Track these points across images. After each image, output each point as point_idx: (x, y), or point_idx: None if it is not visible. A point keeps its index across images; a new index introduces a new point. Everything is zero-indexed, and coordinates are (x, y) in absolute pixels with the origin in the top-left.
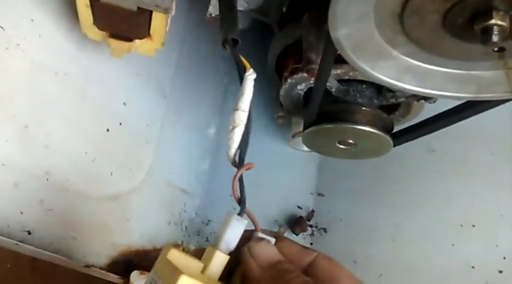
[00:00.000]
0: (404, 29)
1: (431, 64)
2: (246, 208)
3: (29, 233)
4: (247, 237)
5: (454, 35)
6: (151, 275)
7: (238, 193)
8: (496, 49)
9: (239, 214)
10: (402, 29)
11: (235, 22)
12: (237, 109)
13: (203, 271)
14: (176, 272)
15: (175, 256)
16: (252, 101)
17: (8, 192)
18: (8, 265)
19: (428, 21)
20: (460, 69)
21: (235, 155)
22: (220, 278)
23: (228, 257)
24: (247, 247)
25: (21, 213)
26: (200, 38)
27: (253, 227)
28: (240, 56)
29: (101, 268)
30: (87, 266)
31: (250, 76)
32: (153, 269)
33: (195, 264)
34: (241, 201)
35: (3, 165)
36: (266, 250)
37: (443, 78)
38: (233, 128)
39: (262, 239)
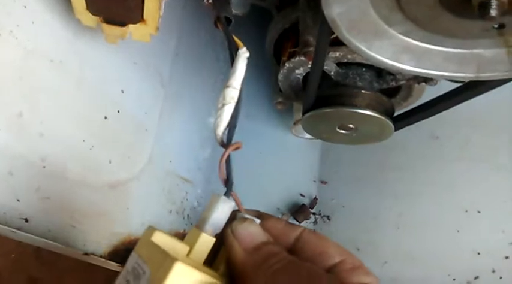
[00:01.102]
0: (400, 5)
1: (429, 43)
2: (232, 190)
3: (26, 221)
4: (232, 218)
5: (451, 10)
6: (134, 260)
7: (225, 174)
8: (495, 25)
9: (225, 194)
10: (398, 6)
11: (228, 0)
12: (228, 87)
13: (188, 254)
14: (168, 258)
15: (161, 239)
16: (244, 80)
17: (2, 179)
18: (12, 255)
19: None
20: (460, 48)
21: (223, 134)
22: (204, 261)
23: (214, 239)
24: (231, 229)
25: (18, 201)
26: (199, 26)
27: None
28: (233, 35)
29: (100, 257)
30: (87, 254)
31: (244, 53)
32: (135, 252)
33: (181, 247)
34: (228, 182)
35: None
36: (250, 231)
37: (443, 58)
38: (223, 106)
39: (246, 219)
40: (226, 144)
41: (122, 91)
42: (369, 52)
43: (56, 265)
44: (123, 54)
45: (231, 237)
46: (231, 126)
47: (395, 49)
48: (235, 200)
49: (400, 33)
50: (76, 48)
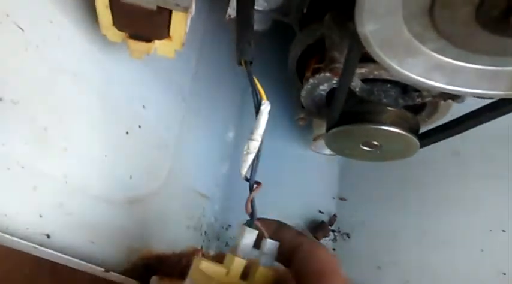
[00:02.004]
0: (435, 23)
1: (462, 60)
2: (255, 221)
3: (48, 236)
4: (259, 239)
5: (487, 28)
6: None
7: (250, 210)
8: None
9: (249, 226)
10: (432, 24)
11: (250, 43)
12: (252, 140)
13: (227, 274)
14: (209, 279)
15: (206, 265)
16: (265, 130)
17: (27, 195)
18: (27, 270)
19: (460, 15)
20: (493, 65)
21: (246, 173)
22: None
23: (244, 261)
24: None
25: (41, 216)
26: (220, 41)
27: None
28: (256, 80)
29: (120, 273)
30: (107, 270)
31: (266, 109)
32: (189, 277)
33: (221, 270)
34: (252, 215)
35: (22, 167)
36: None
37: (475, 75)
38: (247, 153)
39: None
40: (249, 180)
41: (144, 107)
42: (400, 69)
43: (72, 281)
44: (146, 69)
45: None
46: (254, 167)
47: (427, 66)
48: (259, 229)
49: (433, 51)
50: (100, 63)
